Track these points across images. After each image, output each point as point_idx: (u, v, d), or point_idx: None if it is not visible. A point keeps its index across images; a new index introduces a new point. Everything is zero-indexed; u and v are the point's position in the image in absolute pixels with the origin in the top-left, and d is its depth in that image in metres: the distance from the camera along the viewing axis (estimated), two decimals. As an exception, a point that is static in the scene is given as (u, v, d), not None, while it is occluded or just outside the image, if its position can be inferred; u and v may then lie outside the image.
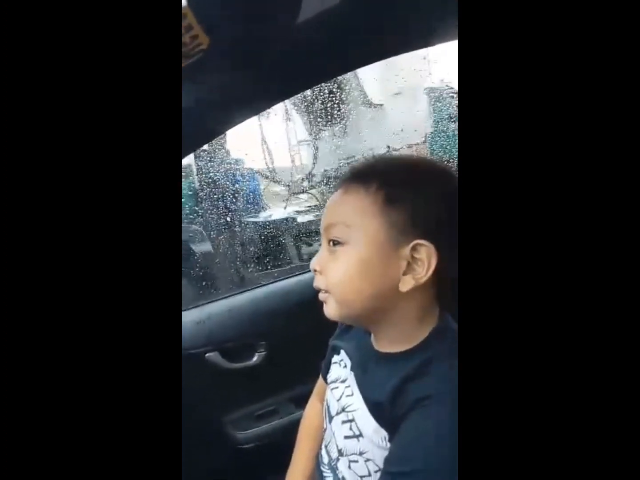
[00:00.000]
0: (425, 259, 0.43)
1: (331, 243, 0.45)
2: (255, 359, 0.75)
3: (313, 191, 2.38)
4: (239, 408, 0.75)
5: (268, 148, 2.14)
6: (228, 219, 1.87)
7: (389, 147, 2.08)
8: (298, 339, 0.81)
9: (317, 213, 2.25)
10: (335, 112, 2.04)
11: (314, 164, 2.32)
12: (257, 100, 0.61)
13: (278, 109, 2.18)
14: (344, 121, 2.10)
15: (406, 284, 0.43)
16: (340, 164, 2.11)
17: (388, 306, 0.45)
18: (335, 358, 0.55)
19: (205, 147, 1.74)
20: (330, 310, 0.46)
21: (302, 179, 2.38)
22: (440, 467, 0.38)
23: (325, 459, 0.50)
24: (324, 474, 0.50)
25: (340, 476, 0.47)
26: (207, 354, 0.71)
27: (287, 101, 2.19)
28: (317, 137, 2.23)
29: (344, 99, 2.07)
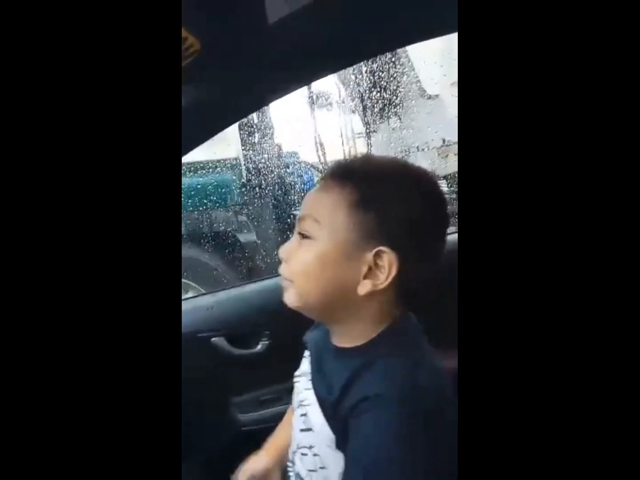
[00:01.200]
0: (386, 266, 0.43)
1: (300, 235, 0.46)
2: (259, 347, 0.78)
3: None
4: (243, 392, 0.80)
5: (321, 141, 2.16)
6: (278, 210, 1.93)
7: (444, 140, 1.99)
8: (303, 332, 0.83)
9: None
10: (391, 104, 2.00)
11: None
12: (258, 96, 0.63)
13: (333, 102, 2.19)
14: (399, 113, 2.05)
15: (364, 287, 0.44)
16: (395, 157, 2.07)
17: (345, 304, 0.46)
18: (305, 352, 0.57)
19: (256, 139, 1.81)
20: (289, 298, 0.48)
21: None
22: (386, 468, 0.39)
23: (291, 450, 0.52)
24: (289, 465, 0.52)
25: (297, 469, 0.48)
26: (212, 339, 0.76)
27: (342, 94, 2.19)
28: (372, 130, 2.19)
29: (400, 91, 2.01)
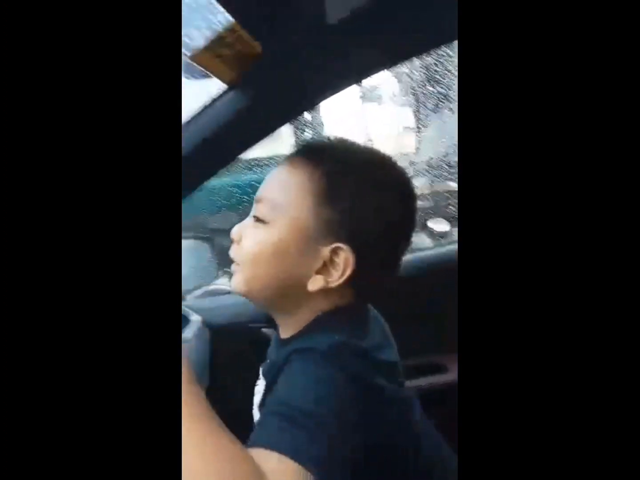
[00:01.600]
0: (341, 264, 0.40)
1: (255, 218, 0.43)
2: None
3: (416, 180, 2.32)
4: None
5: (371, 137, 2.15)
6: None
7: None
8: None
9: (421, 203, 2.19)
10: (445, 98, 1.94)
11: (417, 150, 2.25)
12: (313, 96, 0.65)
13: (383, 95, 2.17)
14: (453, 108, 1.99)
15: (315, 283, 0.41)
16: (447, 152, 2.01)
17: (293, 297, 0.43)
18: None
19: (309, 135, 1.84)
20: (236, 283, 0.45)
21: (405, 167, 2.34)
22: (302, 420, 0.33)
23: None
24: None
25: None
26: (262, 329, 0.79)
27: (394, 88, 2.16)
28: (423, 124, 2.15)
29: (452, 85, 1.95)
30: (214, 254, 1.20)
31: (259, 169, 1.81)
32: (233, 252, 0.45)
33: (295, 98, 0.62)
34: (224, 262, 1.12)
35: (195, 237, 1.13)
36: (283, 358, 0.40)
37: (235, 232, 0.45)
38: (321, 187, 0.41)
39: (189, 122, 0.66)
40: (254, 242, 0.43)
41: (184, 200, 0.78)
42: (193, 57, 0.47)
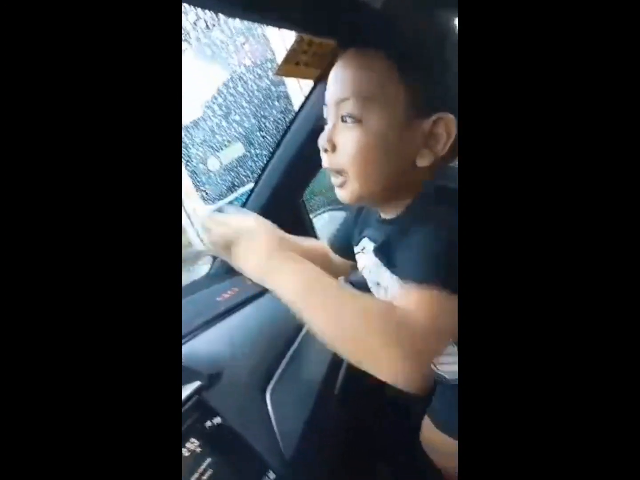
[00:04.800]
0: (444, 133, 0.40)
1: (344, 119, 0.42)
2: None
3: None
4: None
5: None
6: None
7: None
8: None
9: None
10: None
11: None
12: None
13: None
14: None
15: (425, 158, 0.41)
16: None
17: (402, 182, 0.43)
18: (356, 249, 0.57)
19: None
20: (349, 192, 0.44)
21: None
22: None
23: None
24: None
25: None
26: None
27: None
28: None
29: None
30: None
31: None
32: (330, 162, 0.44)
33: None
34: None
35: (333, 210, 1.23)
36: (396, 232, 0.43)
37: (324, 141, 0.43)
38: (395, 65, 0.40)
39: (296, 116, 0.77)
40: (354, 143, 0.41)
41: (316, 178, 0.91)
42: (277, 73, 0.57)
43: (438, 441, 0.63)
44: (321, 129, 0.47)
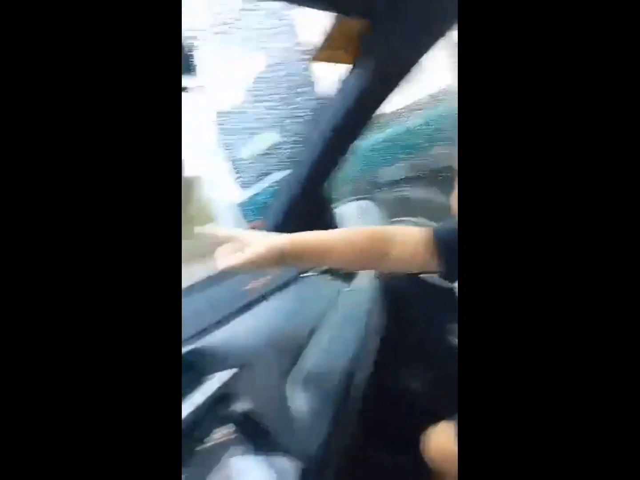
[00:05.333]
0: None
1: None
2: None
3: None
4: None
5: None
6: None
7: None
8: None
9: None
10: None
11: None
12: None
13: None
14: None
15: None
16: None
17: None
18: None
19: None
20: None
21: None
22: None
23: None
24: None
25: None
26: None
27: None
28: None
29: None
30: (381, 208, 1.25)
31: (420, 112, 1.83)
32: None
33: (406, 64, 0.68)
34: (391, 213, 1.23)
35: (359, 199, 1.24)
36: None
37: None
38: None
39: (329, 103, 0.80)
40: None
41: (342, 167, 0.94)
42: (314, 59, 0.60)
43: (449, 449, 0.65)
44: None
